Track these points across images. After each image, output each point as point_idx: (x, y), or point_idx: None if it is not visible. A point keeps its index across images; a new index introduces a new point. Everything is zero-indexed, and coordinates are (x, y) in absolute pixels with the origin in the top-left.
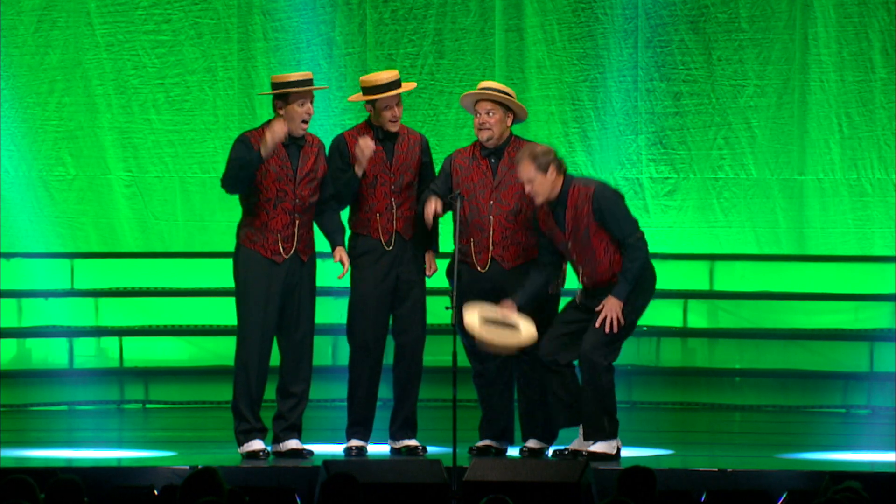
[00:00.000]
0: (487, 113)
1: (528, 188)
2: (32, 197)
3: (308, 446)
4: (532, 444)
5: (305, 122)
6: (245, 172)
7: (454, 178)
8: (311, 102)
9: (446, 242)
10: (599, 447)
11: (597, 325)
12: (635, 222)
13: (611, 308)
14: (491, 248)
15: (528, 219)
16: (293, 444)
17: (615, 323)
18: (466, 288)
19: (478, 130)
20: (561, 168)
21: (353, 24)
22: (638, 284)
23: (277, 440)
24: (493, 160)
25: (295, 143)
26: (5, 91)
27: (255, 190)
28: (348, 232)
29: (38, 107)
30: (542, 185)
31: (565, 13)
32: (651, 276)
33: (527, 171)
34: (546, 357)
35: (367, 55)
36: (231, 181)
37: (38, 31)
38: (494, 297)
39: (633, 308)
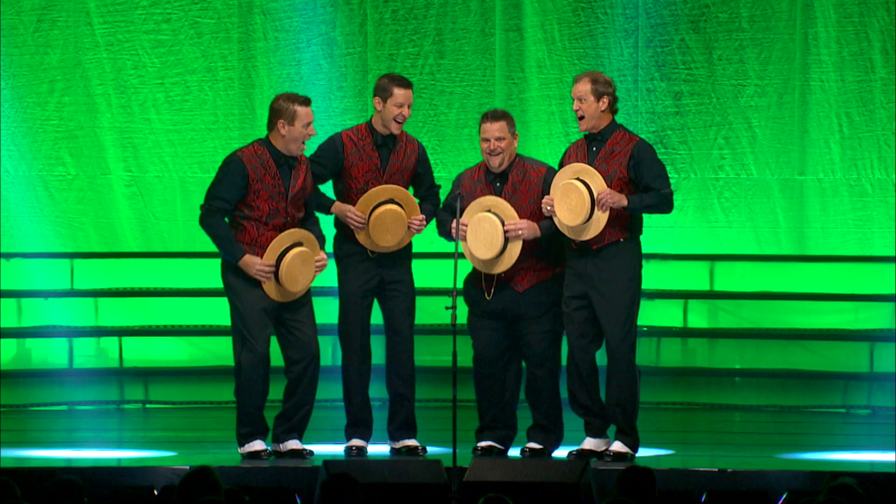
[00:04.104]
0: (497, 139)
1: (576, 105)
2: (32, 197)
3: (308, 446)
4: (533, 445)
5: (304, 143)
6: (217, 247)
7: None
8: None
9: (446, 244)
10: (620, 446)
11: (597, 208)
12: (669, 181)
13: (611, 195)
14: (502, 274)
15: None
16: (293, 444)
17: (605, 203)
18: (478, 304)
19: (489, 156)
20: (613, 108)
21: (354, 23)
22: (633, 272)
23: (277, 440)
24: (497, 184)
25: (287, 163)
26: (5, 91)
27: (247, 207)
28: (334, 232)
29: (38, 106)
30: (590, 109)
31: (565, 13)
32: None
33: (582, 89)
34: (573, 345)
35: (367, 55)
36: (206, 232)
37: (38, 30)
38: (505, 321)
39: (633, 297)
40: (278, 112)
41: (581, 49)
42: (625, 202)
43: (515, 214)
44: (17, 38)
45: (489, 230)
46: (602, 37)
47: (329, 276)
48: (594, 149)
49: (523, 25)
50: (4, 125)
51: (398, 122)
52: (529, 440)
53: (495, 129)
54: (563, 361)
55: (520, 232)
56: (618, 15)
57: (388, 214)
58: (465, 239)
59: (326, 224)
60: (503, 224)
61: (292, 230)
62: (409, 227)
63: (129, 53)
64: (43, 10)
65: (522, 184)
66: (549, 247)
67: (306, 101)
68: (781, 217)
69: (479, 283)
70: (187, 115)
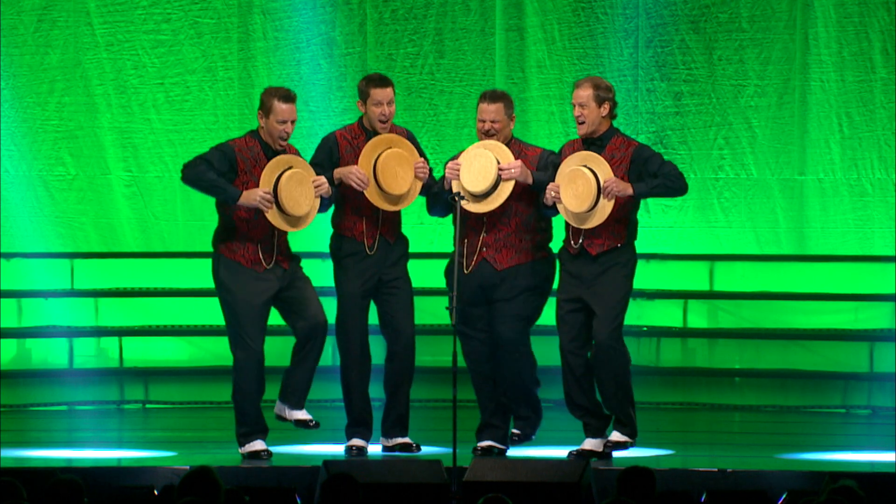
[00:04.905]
0: (493, 121)
1: (577, 111)
2: (32, 197)
3: (309, 446)
4: (515, 430)
5: (283, 139)
6: (212, 195)
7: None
8: (293, 124)
9: (447, 243)
10: (618, 436)
11: (603, 196)
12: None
13: (617, 183)
14: (483, 249)
15: (523, 221)
16: (300, 413)
17: (611, 191)
18: (459, 286)
19: (483, 135)
20: (612, 113)
21: (354, 23)
22: (629, 271)
23: (285, 400)
24: None
25: (276, 156)
26: (5, 91)
27: None
28: (331, 231)
29: (38, 107)
30: (591, 115)
31: (565, 13)
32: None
33: (584, 95)
34: (567, 349)
35: (367, 55)
36: (193, 184)
37: (38, 30)
38: (483, 298)
39: (626, 292)
40: (260, 103)
41: (581, 49)
42: (630, 190)
43: (511, 156)
44: (18, 38)
45: (483, 164)
46: (602, 37)
47: (326, 277)
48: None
49: (523, 25)
50: (4, 125)
51: (382, 122)
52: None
53: (492, 110)
54: (554, 362)
55: (513, 171)
56: (618, 15)
57: (392, 158)
58: (457, 177)
59: (326, 226)
60: (498, 163)
61: (279, 156)
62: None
63: (129, 53)
64: (43, 10)
65: (517, 160)
66: (536, 226)
67: (287, 98)
68: (781, 217)
69: (462, 264)
70: (187, 115)
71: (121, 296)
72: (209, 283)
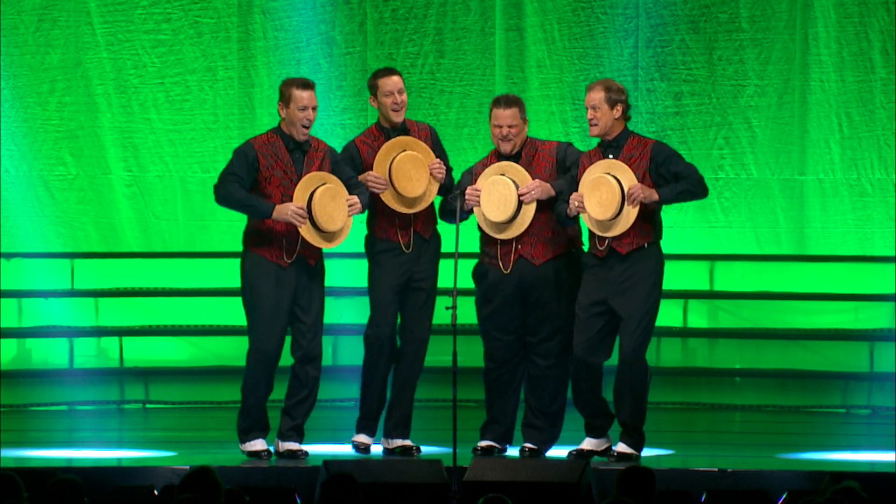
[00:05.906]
0: (509, 126)
1: (590, 114)
2: (33, 197)
3: (309, 446)
4: (529, 445)
5: (306, 127)
6: (244, 213)
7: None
8: (314, 111)
9: (448, 243)
10: (624, 447)
11: (627, 202)
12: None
13: (642, 189)
14: (519, 247)
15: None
16: (291, 445)
17: (637, 197)
18: (494, 288)
19: (500, 141)
20: (626, 115)
21: (354, 23)
22: (657, 277)
23: (281, 436)
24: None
25: (299, 148)
26: (6, 91)
27: (260, 195)
28: (366, 232)
29: (38, 106)
30: (603, 118)
31: (565, 13)
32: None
33: (596, 97)
34: (581, 356)
35: (367, 54)
36: (226, 205)
37: (39, 30)
38: (521, 296)
39: (654, 301)
40: (280, 95)
41: (581, 49)
42: (656, 196)
43: (529, 177)
44: (18, 37)
45: (503, 192)
46: (602, 37)
47: (359, 277)
48: (611, 156)
49: (523, 25)
50: (5, 125)
51: (396, 111)
52: (525, 439)
53: (507, 115)
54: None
55: (533, 193)
56: (618, 15)
57: (405, 160)
58: (478, 204)
59: (359, 225)
60: (517, 187)
61: (311, 174)
62: (430, 173)
63: (129, 53)
64: (43, 10)
65: (536, 157)
66: (564, 225)
67: (305, 85)
68: (781, 217)
69: (493, 263)
70: (187, 114)
71: (121, 296)
72: (209, 283)
